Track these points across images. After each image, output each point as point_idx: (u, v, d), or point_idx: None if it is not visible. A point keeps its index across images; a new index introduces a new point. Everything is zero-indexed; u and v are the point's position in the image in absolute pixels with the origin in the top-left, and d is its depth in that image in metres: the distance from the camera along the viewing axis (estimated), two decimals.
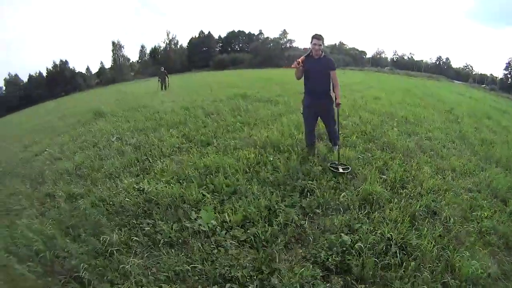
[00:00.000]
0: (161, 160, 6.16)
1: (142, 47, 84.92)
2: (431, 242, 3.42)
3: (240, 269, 3.08)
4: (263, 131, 7.12)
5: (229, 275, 3.02)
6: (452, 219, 4.02)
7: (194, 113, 10.25)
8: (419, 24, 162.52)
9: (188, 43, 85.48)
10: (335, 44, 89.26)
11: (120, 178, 5.59)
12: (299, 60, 5.01)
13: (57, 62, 75.42)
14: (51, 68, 74.95)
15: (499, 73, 77.51)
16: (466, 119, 11.48)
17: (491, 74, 78.43)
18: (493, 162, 6.53)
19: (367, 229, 3.60)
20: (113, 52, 77.60)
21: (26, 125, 19.62)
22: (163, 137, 7.74)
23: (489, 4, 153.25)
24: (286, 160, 5.35)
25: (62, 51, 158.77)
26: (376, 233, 3.52)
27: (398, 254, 3.23)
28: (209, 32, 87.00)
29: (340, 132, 6.12)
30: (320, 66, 5.15)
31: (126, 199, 4.70)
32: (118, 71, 74.28)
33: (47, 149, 9.29)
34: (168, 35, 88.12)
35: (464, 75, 79.14)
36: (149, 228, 3.99)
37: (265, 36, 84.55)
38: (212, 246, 3.51)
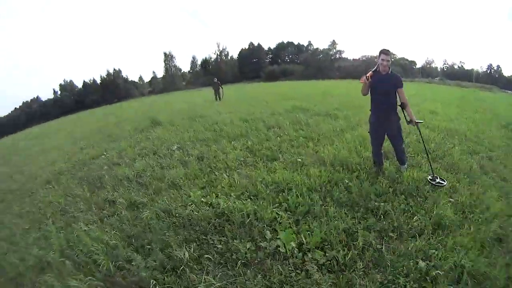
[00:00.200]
0: (227, 173, 6.04)
1: (193, 58, 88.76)
2: (501, 271, 3.28)
3: None
4: (329, 147, 6.97)
5: None
6: None
7: (255, 125, 10.23)
8: (466, 29, 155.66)
9: (238, 55, 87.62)
10: None
11: (184, 190, 5.51)
12: (368, 75, 4.92)
13: (111, 71, 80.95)
14: (105, 76, 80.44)
15: None
16: None
17: None
18: None
19: (441, 255, 3.48)
20: (165, 62, 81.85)
21: (81, 128, 20.58)
22: (225, 149, 7.68)
23: None
24: (356, 180, 5.25)
25: (115, 60, 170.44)
26: (449, 260, 3.40)
27: (469, 282, 3.14)
28: (258, 44, 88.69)
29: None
30: (387, 83, 5.06)
31: (195, 212, 4.58)
32: (170, 80, 78.00)
33: (104, 154, 9.52)
34: (218, 46, 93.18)
35: None
36: (221, 245, 3.84)
37: (315, 47, 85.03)
38: (290, 268, 3.38)
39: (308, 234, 3.84)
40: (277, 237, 3.82)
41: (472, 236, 3.83)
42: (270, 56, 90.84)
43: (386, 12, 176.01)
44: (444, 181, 5.09)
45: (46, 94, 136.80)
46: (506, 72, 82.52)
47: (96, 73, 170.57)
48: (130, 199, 5.48)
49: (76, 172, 8.33)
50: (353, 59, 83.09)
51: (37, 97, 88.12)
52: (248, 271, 3.37)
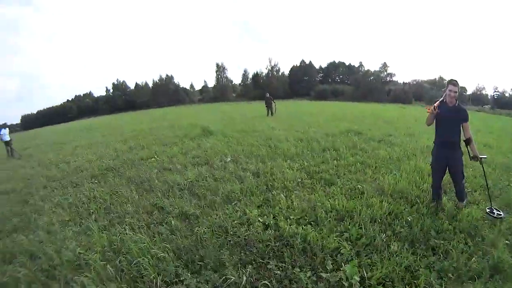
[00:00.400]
0: (284, 194, 5.80)
1: (245, 71, 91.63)
2: None
3: None
4: (388, 177, 6.67)
5: None
6: None
7: (310, 145, 10.05)
8: None
9: (290, 71, 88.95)
10: (435, 78, 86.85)
11: (240, 206, 5.32)
12: (435, 105, 4.89)
13: (163, 76, 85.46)
14: (157, 80, 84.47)
15: None
16: None
17: None
18: None
19: None
20: (216, 73, 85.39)
21: (131, 127, 21.10)
22: (281, 167, 7.44)
23: None
24: (416, 213, 5.06)
25: (168, 66, 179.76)
26: None
27: None
28: (310, 62, 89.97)
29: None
30: (453, 115, 4.90)
31: (252, 232, 4.37)
32: (220, 91, 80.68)
33: (155, 156, 9.53)
34: (270, 61, 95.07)
35: None
36: (280, 272, 3.61)
37: (366, 69, 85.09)
38: None
39: (370, 268, 3.69)
40: (339, 268, 3.64)
41: None
42: (321, 74, 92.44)
43: (436, 36, 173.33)
44: (502, 213, 4.98)
45: (98, 91, 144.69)
46: None
47: (148, 76, 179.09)
48: (181, 209, 5.35)
49: (124, 171, 8.38)
50: (403, 83, 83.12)
51: (90, 92, 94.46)
52: None
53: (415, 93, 75.66)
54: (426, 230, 4.54)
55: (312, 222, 4.70)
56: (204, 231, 4.47)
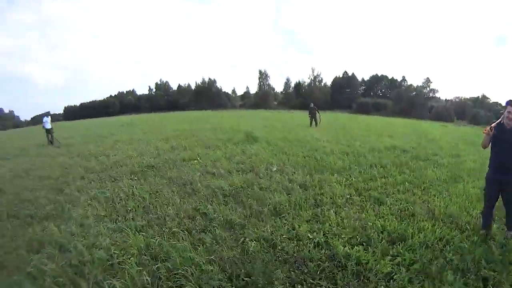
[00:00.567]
0: (334, 210, 5.54)
1: (287, 79, 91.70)
2: None
3: None
4: (438, 200, 6.39)
5: None
6: None
7: (356, 160, 9.75)
8: None
9: (332, 82, 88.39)
10: (478, 97, 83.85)
11: (287, 219, 5.12)
12: (492, 126, 4.71)
13: (206, 79, 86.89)
14: (199, 83, 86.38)
15: None
16: None
17: None
18: None
19: None
20: (259, 80, 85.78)
21: (173, 126, 21.36)
22: (329, 181, 7.18)
23: None
24: (467, 241, 4.80)
25: (211, 70, 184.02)
26: None
27: None
28: (352, 73, 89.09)
29: None
30: (511, 137, 4.64)
31: (303, 250, 4.15)
32: (262, 97, 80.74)
33: (197, 159, 9.48)
34: (313, 71, 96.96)
35: None
36: None
37: (408, 83, 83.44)
38: None
39: None
40: None
41: None
42: (363, 87, 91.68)
43: (482, 51, 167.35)
44: None
45: (141, 89, 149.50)
46: None
47: (191, 79, 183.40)
48: (226, 216, 5.20)
49: (166, 171, 8.37)
50: (445, 99, 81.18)
51: (133, 90, 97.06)
52: None
53: (456, 110, 73.29)
54: (478, 260, 4.30)
55: (363, 243, 4.44)
56: (251, 243, 4.27)
